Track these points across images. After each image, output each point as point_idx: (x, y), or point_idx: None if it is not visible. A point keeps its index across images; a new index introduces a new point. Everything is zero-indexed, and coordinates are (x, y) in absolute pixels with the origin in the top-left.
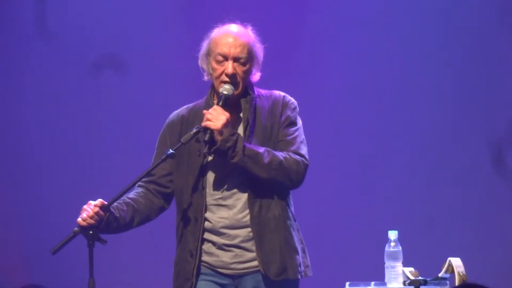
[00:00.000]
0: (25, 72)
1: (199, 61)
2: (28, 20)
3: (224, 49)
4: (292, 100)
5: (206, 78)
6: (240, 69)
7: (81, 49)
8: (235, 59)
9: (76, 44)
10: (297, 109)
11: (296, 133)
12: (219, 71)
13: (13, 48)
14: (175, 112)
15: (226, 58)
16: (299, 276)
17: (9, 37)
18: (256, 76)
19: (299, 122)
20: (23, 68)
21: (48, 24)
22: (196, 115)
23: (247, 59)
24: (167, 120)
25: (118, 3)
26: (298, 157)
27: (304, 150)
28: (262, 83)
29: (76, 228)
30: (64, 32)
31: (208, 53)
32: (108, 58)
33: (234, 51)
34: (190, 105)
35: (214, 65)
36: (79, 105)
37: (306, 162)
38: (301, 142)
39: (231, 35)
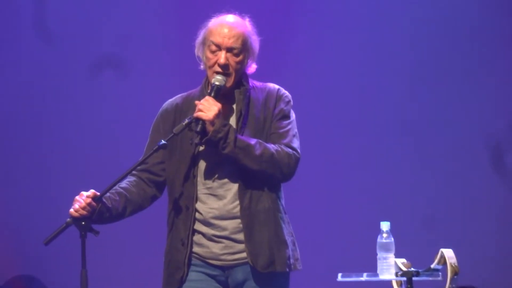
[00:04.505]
0: (25, 72)
1: (195, 50)
2: (28, 20)
3: (217, 39)
4: (287, 93)
5: (202, 67)
6: (233, 60)
7: (81, 49)
8: (228, 49)
9: (76, 44)
10: (291, 102)
11: (289, 126)
12: (212, 61)
13: (13, 49)
14: (170, 100)
15: (219, 47)
16: (287, 269)
17: (9, 37)
18: (251, 68)
19: (293, 115)
20: (23, 68)
21: (48, 25)
22: (190, 105)
23: (241, 50)
24: (161, 109)
25: (118, 3)
26: (289, 150)
27: (296, 144)
28: (257, 77)
29: (68, 219)
30: (64, 32)
31: (203, 42)
32: (108, 58)
33: (228, 41)
34: (185, 94)
35: (208, 54)
36: (79, 104)
37: (297, 155)
38: (294, 135)
39: (226, 25)
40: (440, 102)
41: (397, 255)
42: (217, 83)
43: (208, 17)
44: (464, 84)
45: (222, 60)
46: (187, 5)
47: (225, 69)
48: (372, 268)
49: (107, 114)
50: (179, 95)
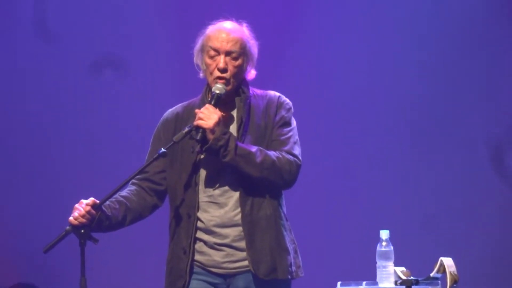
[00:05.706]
0: (25, 72)
1: (194, 58)
2: (28, 20)
3: (216, 43)
4: (287, 100)
5: (201, 75)
6: (232, 64)
7: (81, 49)
8: (227, 53)
9: (76, 44)
10: (292, 109)
11: (290, 134)
12: (212, 67)
13: (13, 49)
14: (170, 109)
15: (218, 52)
16: (289, 277)
17: (9, 37)
18: (251, 74)
19: (294, 122)
20: (23, 68)
21: (48, 25)
22: (191, 113)
23: (240, 54)
24: (162, 118)
25: (118, 3)
26: (291, 157)
27: (297, 151)
28: (256, 81)
29: (68, 227)
30: (64, 32)
31: (202, 49)
32: (108, 58)
33: (226, 45)
34: (185, 102)
35: (207, 60)
36: (79, 105)
37: (298, 162)
38: (295, 142)
39: (224, 31)
40: (440, 104)
41: (397, 264)
42: (217, 91)
43: (206, 23)
44: (465, 85)
45: (221, 65)
46: (188, 5)
47: (224, 73)
48: (371, 276)
49: (107, 115)
50: (180, 104)
